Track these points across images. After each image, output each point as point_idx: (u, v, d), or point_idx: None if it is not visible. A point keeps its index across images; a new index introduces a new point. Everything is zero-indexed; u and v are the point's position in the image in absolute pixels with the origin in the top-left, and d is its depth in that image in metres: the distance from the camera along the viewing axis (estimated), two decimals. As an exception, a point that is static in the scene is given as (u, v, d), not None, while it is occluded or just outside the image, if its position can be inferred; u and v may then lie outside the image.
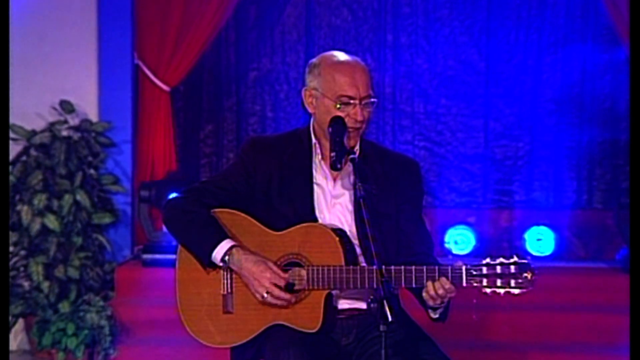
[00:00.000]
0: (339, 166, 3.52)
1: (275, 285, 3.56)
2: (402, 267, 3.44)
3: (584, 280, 6.94)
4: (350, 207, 3.68)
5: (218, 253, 3.60)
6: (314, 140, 3.75)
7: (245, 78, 8.24)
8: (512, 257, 3.44)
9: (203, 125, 8.27)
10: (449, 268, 3.45)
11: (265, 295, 3.56)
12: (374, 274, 3.39)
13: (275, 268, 3.58)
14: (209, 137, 8.27)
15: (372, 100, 3.61)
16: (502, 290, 3.42)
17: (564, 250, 7.85)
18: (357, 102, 3.58)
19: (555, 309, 6.65)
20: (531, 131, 8.07)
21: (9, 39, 5.78)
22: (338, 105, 3.58)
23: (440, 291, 3.44)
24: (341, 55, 3.67)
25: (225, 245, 3.61)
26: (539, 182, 8.07)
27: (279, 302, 3.57)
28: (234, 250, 3.59)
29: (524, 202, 8.07)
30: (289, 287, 3.59)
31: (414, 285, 3.47)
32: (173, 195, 3.80)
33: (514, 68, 8.04)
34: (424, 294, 3.47)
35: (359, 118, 3.60)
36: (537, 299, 5.84)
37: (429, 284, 3.44)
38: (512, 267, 3.41)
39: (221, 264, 3.62)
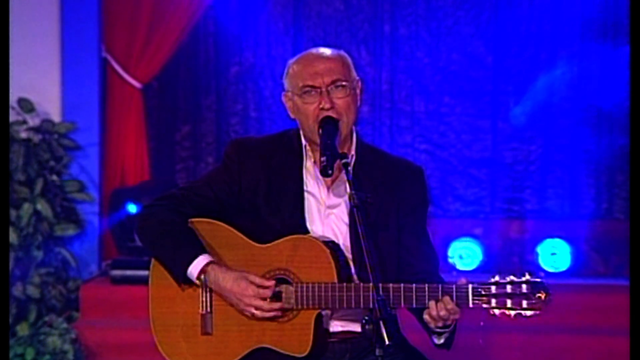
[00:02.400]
0: (330, 172, 3.51)
1: (263, 299, 3.56)
2: (401, 285, 3.45)
3: (604, 300, 6.95)
4: (347, 218, 3.68)
5: (194, 269, 3.60)
6: (304, 143, 3.75)
7: (225, 73, 8.23)
8: (524, 275, 3.45)
9: (179, 126, 8.27)
10: (454, 287, 3.45)
11: (255, 312, 3.56)
12: (370, 292, 3.37)
13: (257, 280, 3.57)
14: (186, 139, 8.27)
15: (342, 83, 3.63)
16: (512, 312, 3.43)
17: (582, 265, 7.85)
18: (321, 89, 3.62)
19: (572, 331, 6.65)
20: (544, 133, 8.08)
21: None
22: (302, 98, 3.63)
23: (442, 312, 3.43)
24: (311, 50, 3.73)
25: (201, 261, 3.60)
26: (553, 190, 8.08)
27: (272, 315, 3.57)
28: (209, 268, 3.59)
29: (537, 212, 8.07)
30: (276, 296, 3.59)
31: (414, 305, 3.47)
32: (148, 203, 3.76)
33: (526, 62, 8.04)
34: (425, 316, 3.48)
35: (327, 105, 3.61)
36: (552, 321, 5.85)
37: (432, 303, 3.44)
38: (524, 287, 3.42)
39: (198, 283, 3.63)
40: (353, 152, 3.72)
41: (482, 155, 8.14)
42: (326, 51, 3.70)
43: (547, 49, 8.05)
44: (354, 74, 3.71)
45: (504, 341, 6.48)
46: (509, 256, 8.00)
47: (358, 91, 3.71)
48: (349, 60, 3.73)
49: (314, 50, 3.72)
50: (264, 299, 3.55)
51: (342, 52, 3.73)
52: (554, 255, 7.80)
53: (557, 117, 8.05)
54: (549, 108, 8.06)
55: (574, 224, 7.92)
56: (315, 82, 3.64)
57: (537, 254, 7.84)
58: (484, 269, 7.77)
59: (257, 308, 3.55)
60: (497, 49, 8.08)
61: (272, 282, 3.57)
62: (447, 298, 3.43)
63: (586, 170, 8.02)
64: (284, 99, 3.76)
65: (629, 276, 7.40)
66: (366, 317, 3.30)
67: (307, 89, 3.65)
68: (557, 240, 7.83)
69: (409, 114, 8.21)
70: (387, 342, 3.18)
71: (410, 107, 8.21)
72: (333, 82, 3.64)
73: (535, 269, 7.50)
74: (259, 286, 3.56)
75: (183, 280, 3.63)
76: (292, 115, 3.75)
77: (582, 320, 6.76)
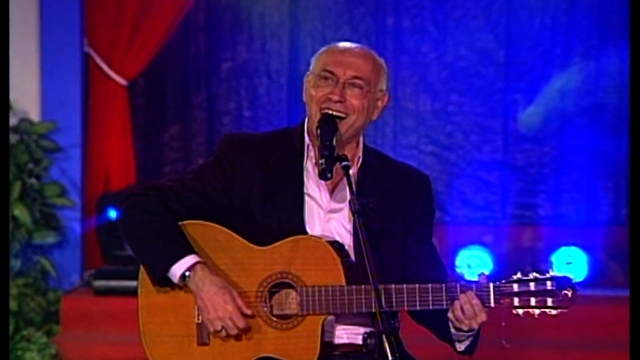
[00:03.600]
0: (328, 175, 3.50)
1: (233, 321, 3.54)
2: (417, 285, 3.48)
3: (624, 313, 6.89)
4: (349, 225, 3.66)
5: (179, 267, 3.57)
6: (307, 141, 3.73)
7: (217, 70, 8.23)
8: (548, 272, 3.46)
9: (167, 126, 8.28)
10: (474, 285, 3.47)
11: (219, 329, 3.55)
12: (384, 295, 3.40)
13: (240, 303, 3.54)
14: (175, 140, 8.28)
15: (362, 83, 3.59)
16: (537, 311, 3.44)
17: (599, 275, 7.85)
18: (338, 80, 3.60)
19: (590, 347, 6.65)
20: (559, 133, 8.09)
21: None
22: (317, 81, 3.62)
23: (467, 306, 3.45)
24: (348, 43, 3.73)
25: (189, 260, 3.58)
26: (568, 194, 8.09)
27: (234, 333, 3.56)
28: (198, 267, 3.58)
29: (551, 218, 8.09)
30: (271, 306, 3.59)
31: (431, 307, 3.48)
32: (132, 192, 3.74)
33: (539, 58, 8.05)
34: (449, 314, 3.49)
35: (335, 98, 3.59)
36: (568, 335, 5.84)
37: (456, 302, 3.45)
38: (549, 283, 3.44)
39: (178, 281, 3.58)
40: (360, 154, 3.71)
41: (492, 157, 8.15)
42: (362, 48, 3.70)
43: (562, 43, 8.06)
44: (382, 84, 3.67)
45: (521, 356, 6.45)
46: (521, 265, 7.85)
47: (379, 104, 3.68)
48: (384, 68, 3.69)
49: (350, 44, 3.72)
50: (234, 321, 3.55)
51: (380, 59, 3.70)
52: (570, 264, 7.80)
53: (572, 116, 8.06)
54: (564, 107, 8.06)
55: (591, 231, 7.94)
56: (336, 69, 3.62)
57: (551, 264, 7.83)
58: (494, 279, 7.68)
59: (225, 327, 3.54)
60: (508, 43, 8.09)
61: (248, 318, 3.55)
62: (470, 292, 3.44)
63: (604, 173, 8.02)
64: (305, 79, 3.72)
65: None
66: (367, 332, 3.28)
67: (325, 74, 3.62)
68: (573, 248, 7.84)
69: (414, 113, 8.21)
70: (390, 357, 3.17)
71: (415, 105, 8.21)
72: (354, 77, 3.61)
73: (550, 280, 7.50)
74: (239, 309, 3.53)
75: (160, 278, 3.59)
76: (304, 98, 3.72)
77: (601, 334, 6.74)
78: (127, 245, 3.79)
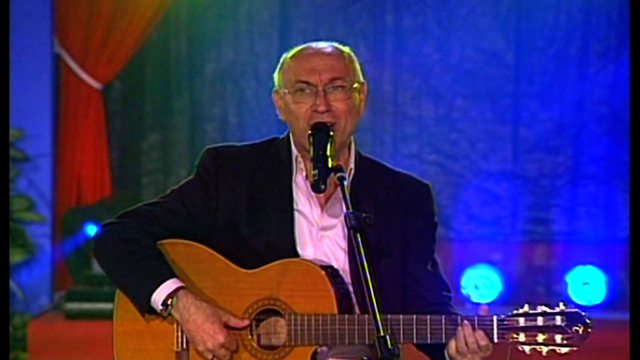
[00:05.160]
0: (322, 187, 3.49)
1: (226, 348, 3.53)
2: (414, 316, 3.46)
3: (646, 337, 6.91)
4: (343, 242, 3.66)
5: (159, 295, 3.55)
6: (295, 152, 3.72)
7: (200, 72, 8.23)
8: (558, 305, 3.40)
9: (146, 133, 8.26)
10: (475, 318, 3.44)
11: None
12: (375, 326, 3.34)
13: (232, 321, 3.54)
14: (154, 149, 8.26)
15: (342, 84, 3.60)
16: (545, 349, 3.41)
17: (619, 297, 7.82)
18: (317, 88, 3.59)
19: (610, 375, 6.63)
20: (574, 141, 8.09)
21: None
22: (294, 96, 3.61)
23: (471, 339, 3.42)
24: (311, 44, 3.71)
25: (169, 285, 3.56)
26: (584, 208, 8.09)
27: None
28: (181, 293, 3.57)
29: (566, 234, 8.09)
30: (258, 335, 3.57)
31: (429, 341, 3.46)
32: (108, 220, 3.73)
33: (552, 59, 8.05)
34: (450, 351, 3.47)
35: (322, 108, 3.59)
36: (586, 363, 5.75)
37: (457, 335, 3.42)
38: (559, 318, 3.40)
39: (161, 309, 3.56)
40: (351, 165, 3.70)
41: (501, 167, 8.15)
42: (328, 46, 3.69)
43: (577, 43, 8.07)
44: (359, 75, 3.69)
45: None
46: (533, 286, 8.02)
47: (362, 96, 3.69)
48: (355, 59, 3.70)
49: (313, 44, 3.70)
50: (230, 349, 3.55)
51: (347, 49, 3.71)
52: (586, 285, 7.81)
53: (589, 122, 8.07)
54: (579, 112, 8.07)
55: (610, 248, 7.94)
56: (310, 78, 3.61)
57: (566, 284, 7.85)
58: (503, 301, 7.74)
59: (217, 356, 3.54)
60: (519, 43, 8.09)
61: (246, 323, 3.55)
62: (470, 327, 3.41)
63: (623, 185, 7.98)
64: (274, 97, 3.72)
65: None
66: (365, 358, 3.27)
67: (300, 85, 3.61)
68: (590, 267, 7.84)
69: (415, 120, 8.21)
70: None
71: (416, 111, 8.22)
72: (332, 80, 3.61)
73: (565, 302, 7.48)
74: (230, 340, 3.52)
75: (147, 309, 3.59)
76: (281, 117, 3.70)
77: (621, 362, 6.70)
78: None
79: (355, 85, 3.64)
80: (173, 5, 7.99)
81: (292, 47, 3.76)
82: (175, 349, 3.62)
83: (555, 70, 8.04)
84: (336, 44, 3.70)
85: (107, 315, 3.75)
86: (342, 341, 3.48)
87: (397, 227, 3.68)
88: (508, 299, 7.73)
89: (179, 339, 3.61)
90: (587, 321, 3.39)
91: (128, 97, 8.21)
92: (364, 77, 3.69)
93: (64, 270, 7.59)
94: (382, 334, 3.23)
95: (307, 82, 3.61)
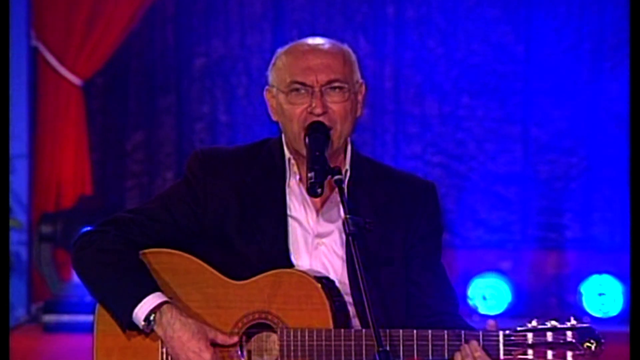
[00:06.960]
0: (319, 191, 3.51)
1: None
2: (414, 331, 3.47)
3: (666, 351, 6.94)
4: (341, 250, 3.69)
5: (142, 310, 3.57)
6: (287, 155, 3.74)
7: (188, 67, 8.26)
8: (569, 320, 3.43)
9: (129, 133, 8.28)
10: (480, 333, 3.46)
11: None
12: (376, 341, 3.35)
13: (220, 338, 3.56)
14: (138, 149, 8.29)
15: (340, 85, 3.62)
16: None
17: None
18: (314, 89, 3.61)
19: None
20: (589, 141, 8.12)
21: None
22: (288, 96, 3.63)
23: (477, 354, 3.43)
24: (307, 39, 3.72)
25: (152, 300, 3.58)
26: (599, 213, 8.12)
27: None
28: (165, 307, 3.59)
29: (580, 241, 8.11)
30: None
31: (430, 357, 3.48)
32: (87, 229, 3.74)
33: (564, 54, 8.08)
34: None
35: (318, 110, 3.62)
36: (601, 379, 5.78)
37: (457, 354, 3.43)
38: (569, 334, 3.43)
39: (143, 324, 3.58)
40: (347, 166, 3.72)
41: (511, 169, 8.18)
42: (325, 43, 3.70)
43: (592, 38, 8.10)
44: (357, 75, 3.71)
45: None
46: (545, 297, 8.04)
47: (360, 97, 3.71)
48: (353, 57, 3.72)
49: (310, 40, 3.71)
50: None
51: (346, 47, 3.72)
52: (602, 296, 7.83)
53: (604, 122, 8.10)
54: (594, 110, 8.11)
55: (627, 257, 7.91)
56: (307, 79, 3.63)
57: (580, 295, 7.87)
58: (513, 312, 7.80)
59: None
60: (529, 36, 8.12)
61: (235, 339, 3.57)
62: (474, 342, 3.42)
63: (641, 188, 8.01)
64: (266, 95, 3.74)
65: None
66: None
67: (296, 86, 3.64)
68: (606, 276, 7.86)
69: (418, 118, 8.24)
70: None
71: (419, 109, 8.24)
72: (329, 82, 3.63)
73: (579, 314, 7.46)
74: (222, 345, 3.54)
75: (129, 325, 3.60)
76: (273, 117, 3.73)
77: (639, 378, 6.72)
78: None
79: (353, 86, 3.66)
80: (158, -4, 8.03)
81: (286, 42, 3.77)
82: (159, 365, 3.63)
83: (568, 65, 8.07)
84: (334, 41, 3.71)
85: (88, 329, 3.75)
86: (337, 357, 3.50)
87: (398, 231, 3.70)
88: (518, 310, 7.79)
89: (164, 357, 3.63)
90: (600, 337, 3.41)
91: (110, 94, 8.24)
92: (363, 74, 3.71)
93: (41, 280, 7.60)
94: (383, 347, 3.25)
95: (302, 83, 3.63)
